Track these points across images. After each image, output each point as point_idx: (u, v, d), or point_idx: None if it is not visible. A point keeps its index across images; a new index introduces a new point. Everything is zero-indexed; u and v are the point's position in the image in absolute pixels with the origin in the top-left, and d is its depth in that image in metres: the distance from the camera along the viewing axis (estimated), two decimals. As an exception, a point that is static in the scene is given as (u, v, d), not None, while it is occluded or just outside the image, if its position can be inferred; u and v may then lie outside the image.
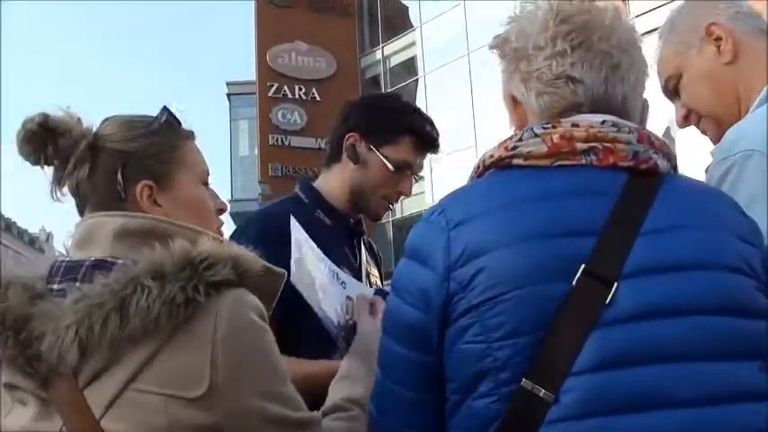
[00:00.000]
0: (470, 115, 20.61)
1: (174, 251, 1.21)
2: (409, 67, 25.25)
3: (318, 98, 24.87)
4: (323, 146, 2.17)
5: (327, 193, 2.07)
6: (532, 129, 1.22)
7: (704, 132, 1.76)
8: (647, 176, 1.20)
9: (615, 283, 1.10)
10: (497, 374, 1.10)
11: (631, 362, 1.07)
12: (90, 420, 1.16)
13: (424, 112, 2.21)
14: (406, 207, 21.54)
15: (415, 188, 2.12)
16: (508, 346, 1.09)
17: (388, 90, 22.09)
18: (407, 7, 26.05)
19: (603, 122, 1.21)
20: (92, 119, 1.37)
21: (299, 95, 25.02)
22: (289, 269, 1.49)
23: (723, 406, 1.07)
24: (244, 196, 25.23)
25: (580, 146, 1.19)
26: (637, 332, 1.08)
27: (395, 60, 25.45)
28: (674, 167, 1.27)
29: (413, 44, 24.87)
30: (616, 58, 1.25)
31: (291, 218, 1.74)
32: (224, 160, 32.12)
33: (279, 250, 1.57)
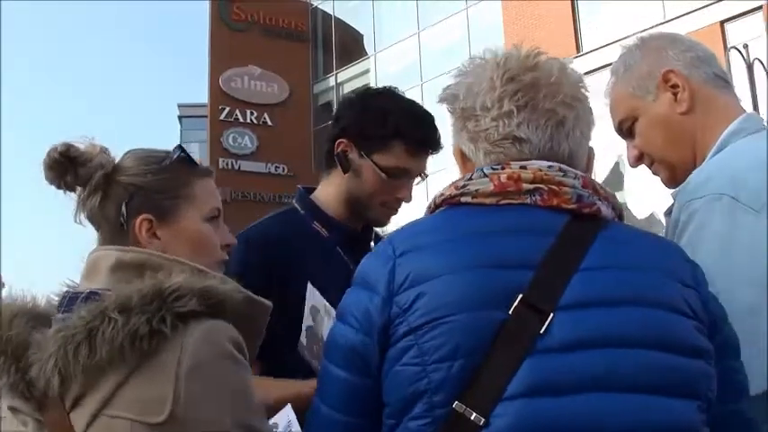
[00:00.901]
0: (422, 144, 20.69)
1: (145, 284, 1.25)
2: (362, 94, 25.32)
3: (270, 123, 24.80)
4: (273, 171, 2.06)
5: (324, 203, 1.95)
6: (482, 169, 1.26)
7: (656, 174, 1.74)
8: (590, 220, 1.23)
9: (551, 314, 1.12)
10: (431, 397, 1.11)
11: (562, 390, 1.09)
12: None
13: (420, 104, 2.00)
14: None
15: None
16: (443, 368, 1.11)
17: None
18: (362, 35, 26.23)
19: (550, 167, 1.25)
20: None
21: (251, 120, 24.90)
22: (271, 292, 1.46)
23: None
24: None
25: (526, 186, 1.22)
26: (568, 361, 1.11)
27: (348, 87, 25.52)
28: (620, 216, 1.29)
29: (367, 71, 25.02)
30: (561, 115, 1.28)
31: (309, 284, 1.72)
32: (172, 182, 31.71)
33: (261, 276, 1.63)
